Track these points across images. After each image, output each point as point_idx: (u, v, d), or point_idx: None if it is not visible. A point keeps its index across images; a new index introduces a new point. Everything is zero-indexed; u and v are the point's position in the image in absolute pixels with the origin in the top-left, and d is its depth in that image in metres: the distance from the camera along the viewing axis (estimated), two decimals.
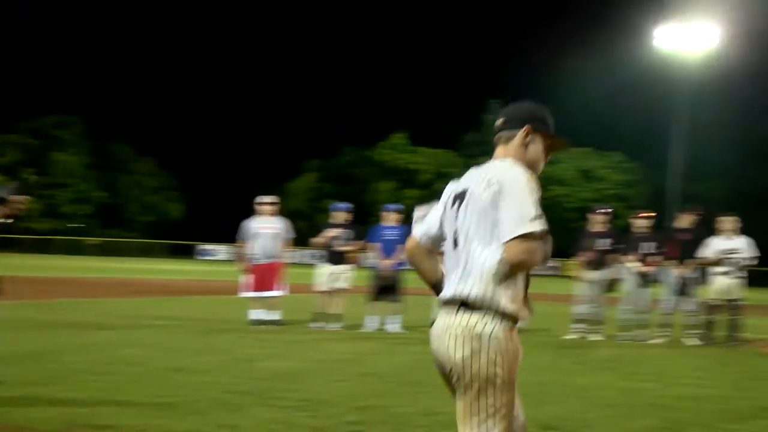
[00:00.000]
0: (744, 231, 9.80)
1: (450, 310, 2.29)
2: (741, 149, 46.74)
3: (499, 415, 2.22)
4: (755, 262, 9.60)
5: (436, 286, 2.45)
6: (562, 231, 42.43)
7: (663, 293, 9.97)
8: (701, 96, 39.77)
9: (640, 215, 10.26)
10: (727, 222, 9.75)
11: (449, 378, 2.30)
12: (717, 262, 9.61)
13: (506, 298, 2.23)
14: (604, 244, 9.94)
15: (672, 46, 36.83)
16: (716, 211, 10.30)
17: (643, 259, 9.82)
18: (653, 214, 10.32)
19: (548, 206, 49.46)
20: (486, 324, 2.23)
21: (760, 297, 19.49)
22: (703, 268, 9.88)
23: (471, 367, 2.21)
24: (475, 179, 2.35)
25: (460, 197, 2.38)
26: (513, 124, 2.45)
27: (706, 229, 9.95)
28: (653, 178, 46.12)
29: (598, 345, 9.17)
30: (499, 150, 2.45)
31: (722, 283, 9.60)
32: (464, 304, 2.25)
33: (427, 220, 2.53)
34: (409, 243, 2.57)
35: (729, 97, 45.41)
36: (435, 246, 2.52)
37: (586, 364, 7.46)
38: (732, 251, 9.58)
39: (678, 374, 6.97)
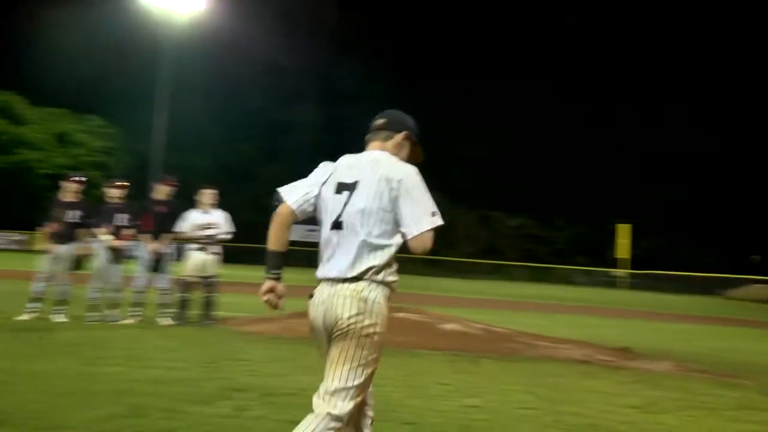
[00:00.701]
0: (223, 205, 10.65)
1: (337, 282, 3.07)
2: (224, 120, 50.94)
3: (368, 368, 3.06)
4: (230, 237, 10.54)
5: (279, 255, 3.19)
6: (33, 199, 40.03)
7: (136, 269, 10.35)
8: (186, 62, 41.66)
9: (114, 185, 10.41)
10: (206, 195, 10.53)
11: (329, 334, 3.07)
12: (193, 238, 10.34)
13: (389, 273, 3.09)
14: (74, 215, 9.96)
15: (159, 4, 37.23)
16: (197, 183, 10.98)
17: (115, 233, 10.06)
18: (126, 183, 10.52)
19: (16, 172, 46.37)
20: (371, 291, 3.07)
21: (236, 273, 21.66)
22: (179, 243, 10.51)
23: (356, 324, 3.03)
24: (368, 173, 3.10)
25: (349, 188, 3.11)
26: (394, 126, 3.29)
27: (185, 201, 10.58)
28: (137, 147, 47.08)
29: (61, 327, 9.18)
30: (376, 144, 3.26)
31: (198, 259, 10.36)
32: (355, 277, 3.02)
33: (302, 195, 3.20)
34: (283, 209, 3.20)
35: (213, 65, 48.90)
36: (298, 219, 3.19)
37: (45, 349, 7.46)
38: (209, 225, 10.39)
39: (148, 356, 7.36)
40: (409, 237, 3.08)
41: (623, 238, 59.50)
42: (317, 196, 3.24)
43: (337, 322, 3.08)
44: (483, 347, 9.49)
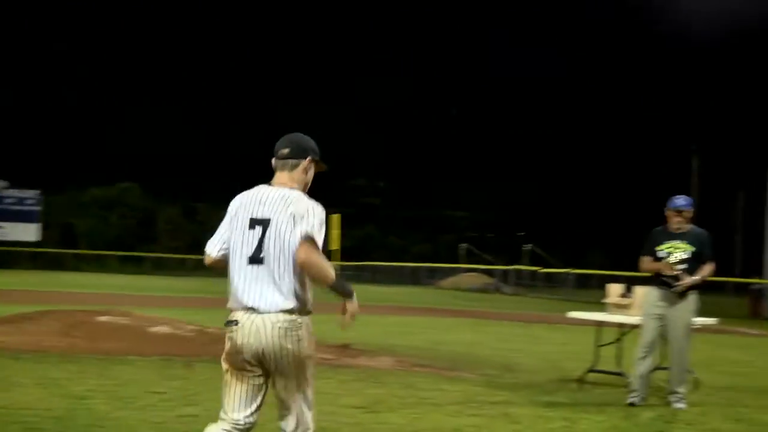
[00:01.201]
0: None
1: (263, 313, 3.60)
2: None
3: (313, 381, 3.74)
4: None
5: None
6: None
7: None
8: None
9: None
10: None
11: (258, 362, 3.63)
12: None
13: (307, 300, 3.71)
14: None
15: None
16: None
17: None
18: None
19: None
20: (297, 322, 3.65)
21: None
22: None
23: (298, 350, 3.62)
24: (279, 211, 3.65)
25: (261, 223, 3.65)
26: (298, 154, 3.80)
27: None
28: None
29: None
30: (285, 175, 3.78)
31: None
32: (285, 310, 3.61)
33: (218, 240, 3.77)
34: (207, 259, 3.78)
35: None
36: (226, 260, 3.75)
37: None
38: None
39: None
40: (295, 250, 3.61)
41: (335, 229, 62.02)
42: (231, 231, 3.77)
43: (283, 351, 3.63)
44: (197, 350, 9.40)
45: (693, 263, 7.65)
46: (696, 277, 7.65)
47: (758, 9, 35.17)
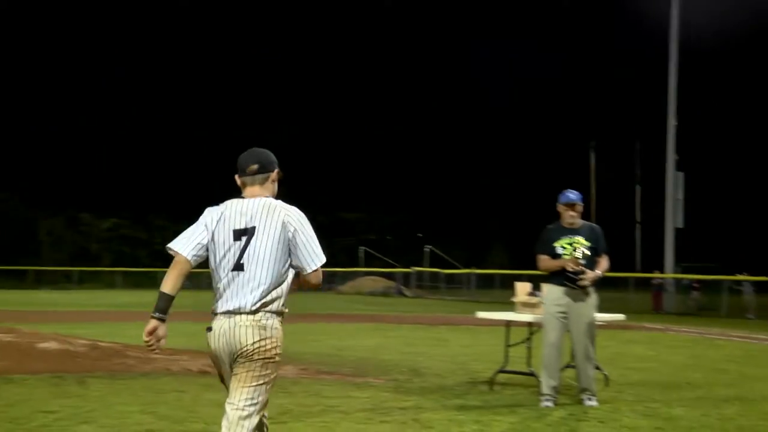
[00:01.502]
0: None
1: (235, 314, 3.86)
2: None
3: (270, 384, 3.93)
4: None
5: (170, 299, 3.93)
6: None
7: None
8: None
9: None
10: None
11: (233, 360, 3.85)
12: None
13: (281, 303, 3.94)
14: None
15: None
16: None
17: None
18: None
19: None
20: (269, 319, 3.89)
21: None
22: None
23: (259, 349, 3.83)
24: (263, 219, 3.94)
25: (246, 233, 3.92)
26: (266, 168, 4.09)
27: None
28: None
29: None
30: (256, 188, 4.05)
31: None
32: (255, 310, 3.85)
33: (195, 245, 3.97)
34: (180, 258, 3.94)
35: None
36: (192, 266, 3.97)
37: None
38: None
39: None
40: (308, 271, 3.97)
41: None
42: (210, 241, 4.00)
43: (241, 348, 3.84)
44: (90, 366, 9.17)
45: (590, 258, 7.83)
46: (599, 272, 7.84)
47: (651, 6, 36.74)
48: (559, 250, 7.85)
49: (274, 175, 4.17)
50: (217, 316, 3.93)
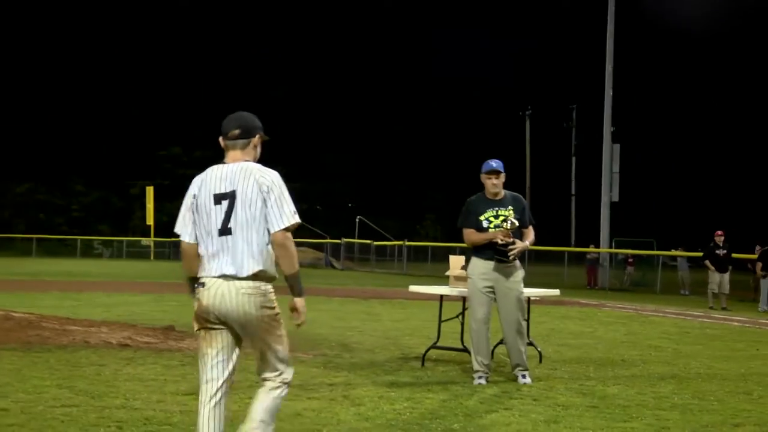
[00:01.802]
0: None
1: (235, 279, 4.24)
2: None
3: (284, 340, 4.47)
4: None
5: (194, 279, 4.40)
6: None
7: None
8: None
9: None
10: None
11: (231, 326, 4.32)
12: None
13: (272, 267, 4.33)
14: None
15: None
16: None
17: None
18: None
19: None
20: (265, 284, 4.30)
21: None
22: None
23: (261, 315, 4.28)
24: (241, 183, 4.27)
25: (226, 197, 4.27)
26: (248, 134, 4.41)
27: None
28: None
29: None
30: (237, 153, 4.39)
31: None
32: (253, 275, 4.24)
33: (189, 225, 4.38)
34: (183, 245, 4.41)
35: None
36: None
37: None
38: None
39: None
40: (274, 230, 4.26)
41: (149, 202, 60.37)
42: (195, 208, 4.36)
43: (247, 316, 4.27)
44: (2, 337, 9.01)
45: (518, 229, 7.83)
46: (527, 243, 7.87)
47: None
48: (485, 224, 7.80)
49: (256, 140, 4.47)
50: (209, 279, 4.30)
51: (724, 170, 73.18)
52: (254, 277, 4.27)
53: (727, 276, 21.35)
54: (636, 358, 10.17)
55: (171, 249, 55.93)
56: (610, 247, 34.93)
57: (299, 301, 4.44)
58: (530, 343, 9.14)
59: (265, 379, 4.49)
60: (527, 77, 76.04)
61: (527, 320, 8.75)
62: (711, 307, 20.90)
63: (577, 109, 57.30)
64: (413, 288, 10.13)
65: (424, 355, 9.16)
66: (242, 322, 4.32)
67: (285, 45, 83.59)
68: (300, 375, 7.96)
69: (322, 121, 77.46)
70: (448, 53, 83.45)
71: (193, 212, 4.39)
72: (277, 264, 4.38)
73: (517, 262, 7.93)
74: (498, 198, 7.88)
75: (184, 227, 4.43)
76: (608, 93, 34.74)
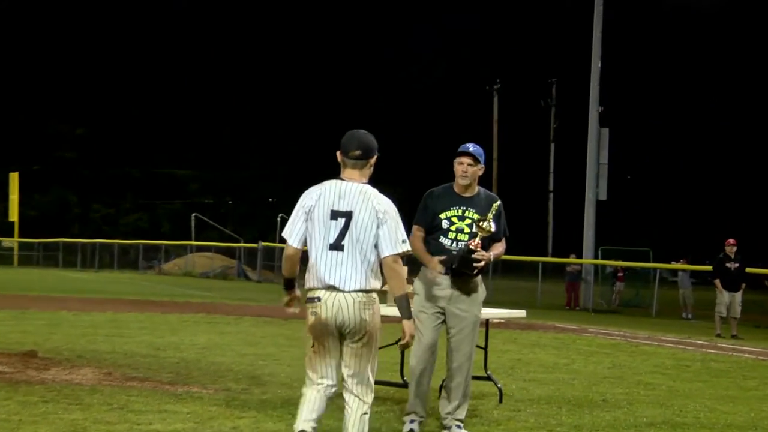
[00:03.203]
0: None
1: (342, 291, 5.72)
2: None
3: (377, 354, 5.97)
4: None
5: (292, 281, 6.03)
6: None
7: None
8: None
9: None
10: None
11: (341, 333, 5.79)
12: None
13: (377, 284, 5.81)
14: None
15: None
16: None
17: None
18: None
19: None
20: (372, 297, 5.79)
21: None
22: None
23: (369, 325, 5.77)
24: (360, 205, 5.78)
25: (343, 215, 5.77)
26: (367, 155, 5.92)
27: None
28: None
29: None
30: (356, 172, 5.92)
31: None
32: (361, 290, 5.72)
33: (298, 231, 5.86)
34: (290, 250, 5.92)
35: None
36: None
37: None
38: None
39: None
40: (385, 255, 5.75)
41: (13, 193, 59.35)
42: (308, 220, 5.81)
43: (363, 323, 5.74)
44: None
45: (486, 239, 7.60)
46: (492, 255, 7.65)
47: None
48: (445, 224, 7.63)
49: (372, 160, 5.96)
50: (318, 290, 5.76)
51: (737, 164, 73.94)
52: (363, 290, 5.72)
53: (738, 296, 21.61)
54: (621, 397, 10.26)
55: (40, 252, 55.22)
56: (596, 258, 35.18)
57: (407, 324, 5.84)
58: (489, 378, 9.16)
59: (350, 399, 5.86)
60: (495, 43, 76.44)
61: (485, 348, 8.74)
62: (718, 335, 21.21)
63: (557, 84, 57.72)
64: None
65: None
66: (356, 330, 5.75)
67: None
68: (194, 415, 7.92)
69: (236, 93, 77.05)
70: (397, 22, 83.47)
71: (305, 222, 5.82)
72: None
73: (479, 278, 7.79)
74: (468, 194, 7.69)
75: (291, 234, 5.85)
76: (596, 65, 34.99)
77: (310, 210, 5.82)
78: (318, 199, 5.83)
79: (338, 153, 5.93)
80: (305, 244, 5.86)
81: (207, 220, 59.69)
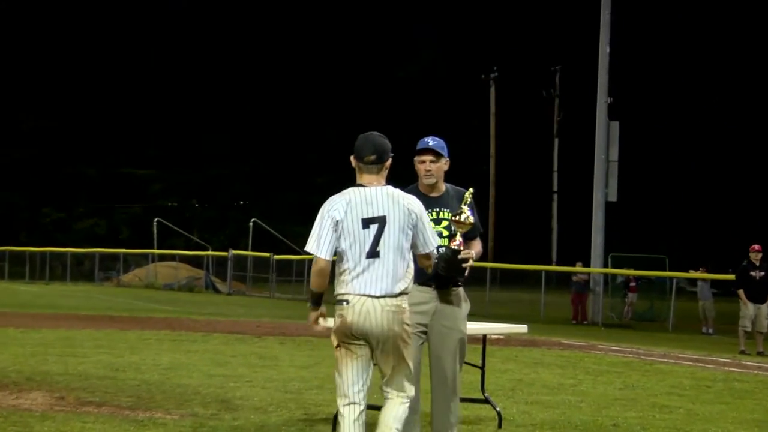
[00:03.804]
0: None
1: (376, 297, 6.31)
2: None
3: (412, 355, 6.69)
4: None
5: (321, 296, 6.56)
6: None
7: None
8: None
9: None
10: None
11: (368, 340, 6.35)
12: None
13: (411, 285, 6.59)
14: None
15: None
16: None
17: None
18: None
19: None
20: (402, 306, 6.43)
21: None
22: None
23: (404, 329, 6.42)
24: (390, 208, 6.37)
25: (376, 221, 6.33)
26: (383, 159, 6.44)
27: None
28: None
29: None
30: (373, 177, 6.45)
31: None
32: (396, 294, 6.37)
33: (329, 244, 6.36)
34: (322, 263, 6.39)
35: None
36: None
37: None
38: None
39: None
40: (422, 252, 6.54)
41: None
42: (340, 230, 6.33)
43: (390, 332, 6.31)
44: None
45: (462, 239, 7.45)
46: (473, 252, 7.47)
47: None
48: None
49: (388, 163, 6.46)
50: (353, 296, 6.29)
51: (764, 160, 73.62)
52: (397, 295, 6.31)
53: (765, 308, 21.55)
54: (634, 422, 10.28)
55: None
56: (605, 266, 35.22)
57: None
58: (486, 400, 9.16)
59: (388, 394, 6.47)
60: (491, 27, 76.45)
61: (482, 368, 8.73)
62: (742, 351, 21.23)
63: (561, 72, 57.85)
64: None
65: (336, 416, 9.10)
66: (383, 339, 6.30)
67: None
68: None
69: (196, 82, 76.92)
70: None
71: (334, 234, 6.30)
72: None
73: (461, 290, 7.70)
74: (435, 194, 7.57)
75: (320, 246, 6.31)
76: (604, 50, 35.01)
77: (338, 222, 6.31)
78: (346, 212, 6.32)
79: (352, 158, 6.42)
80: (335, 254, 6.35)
81: (171, 225, 59.73)
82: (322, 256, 6.32)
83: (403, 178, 7.19)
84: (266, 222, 55.53)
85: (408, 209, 6.39)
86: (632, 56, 57.30)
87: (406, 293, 6.42)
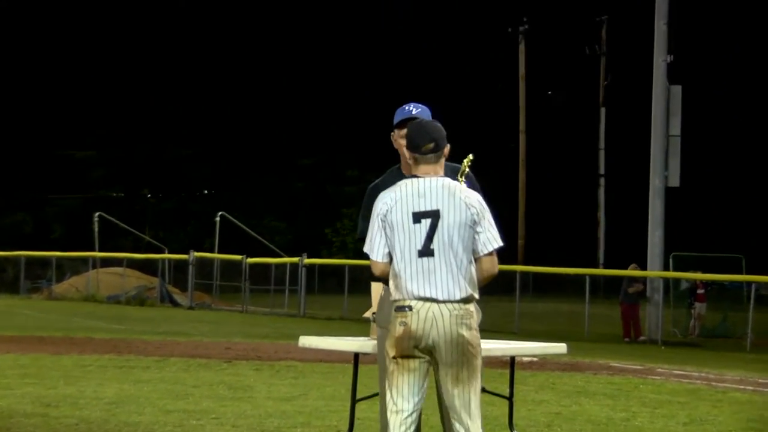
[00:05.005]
0: None
1: (436, 303, 6.71)
2: None
3: (481, 375, 7.03)
4: None
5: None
6: None
7: None
8: None
9: None
10: None
11: (432, 351, 6.76)
12: None
13: (476, 289, 6.91)
14: None
15: None
16: None
17: None
18: None
19: None
20: (470, 311, 6.86)
21: None
22: None
23: (471, 337, 6.84)
24: (446, 202, 6.76)
25: (429, 216, 6.74)
26: (440, 146, 6.91)
27: None
28: None
29: None
30: (430, 167, 6.89)
31: None
32: (462, 299, 6.78)
33: (376, 243, 6.84)
34: (380, 267, 6.88)
35: None
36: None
37: None
38: None
39: None
40: (481, 254, 6.77)
41: None
42: (387, 226, 6.77)
43: (459, 338, 6.69)
44: None
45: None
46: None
47: None
48: None
49: (446, 150, 6.90)
50: (415, 302, 6.63)
51: None
52: (463, 300, 6.67)
53: None
54: None
55: None
56: (665, 269, 35.27)
57: None
58: None
59: (457, 426, 6.77)
60: None
61: (510, 398, 8.74)
62: None
63: (608, 23, 57.82)
64: (306, 340, 10.02)
65: None
66: (451, 347, 6.67)
67: None
68: None
69: (158, 51, 77.09)
70: None
71: (384, 231, 6.74)
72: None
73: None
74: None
75: (373, 247, 6.79)
76: None
77: (385, 215, 6.74)
78: (394, 203, 6.72)
79: (406, 151, 7.00)
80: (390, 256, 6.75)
81: (116, 221, 59.66)
82: (378, 259, 6.78)
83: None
84: (237, 216, 55.49)
85: (466, 203, 6.71)
86: (697, 3, 57.16)
87: (472, 298, 6.72)
